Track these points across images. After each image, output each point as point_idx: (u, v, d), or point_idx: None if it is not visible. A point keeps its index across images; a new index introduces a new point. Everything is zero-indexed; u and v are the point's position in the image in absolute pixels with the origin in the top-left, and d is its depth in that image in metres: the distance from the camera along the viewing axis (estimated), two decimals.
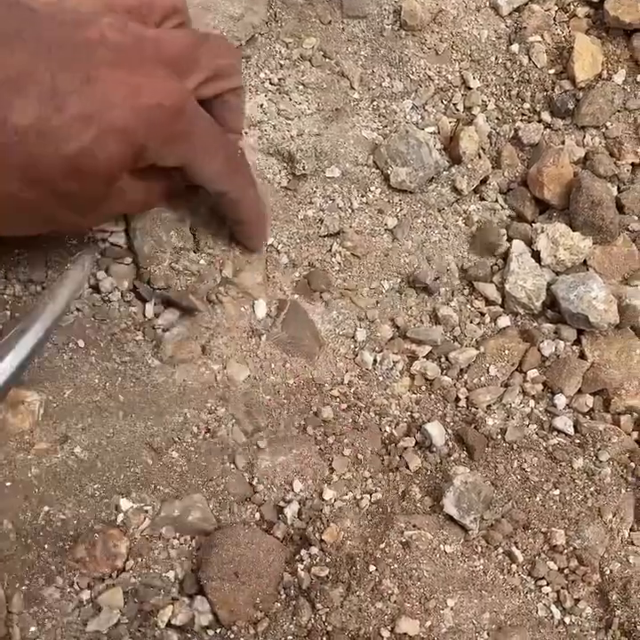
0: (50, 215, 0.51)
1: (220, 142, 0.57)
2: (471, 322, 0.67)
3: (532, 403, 0.63)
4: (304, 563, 0.54)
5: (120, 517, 0.55)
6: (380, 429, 0.62)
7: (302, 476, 0.58)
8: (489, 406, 0.63)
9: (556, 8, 0.73)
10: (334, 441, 0.61)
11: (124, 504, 0.55)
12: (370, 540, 0.55)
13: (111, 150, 0.48)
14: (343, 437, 0.61)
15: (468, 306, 0.68)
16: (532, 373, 0.64)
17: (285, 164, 0.68)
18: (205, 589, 0.53)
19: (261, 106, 0.69)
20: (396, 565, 0.53)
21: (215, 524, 0.56)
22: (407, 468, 0.60)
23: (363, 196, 0.69)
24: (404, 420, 0.63)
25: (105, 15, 0.50)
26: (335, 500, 0.58)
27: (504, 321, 0.67)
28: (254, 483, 0.58)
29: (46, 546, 0.54)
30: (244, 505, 0.57)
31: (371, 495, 0.58)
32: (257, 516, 0.57)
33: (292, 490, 0.58)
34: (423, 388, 0.65)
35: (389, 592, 0.52)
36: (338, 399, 0.63)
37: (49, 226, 0.54)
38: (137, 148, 0.50)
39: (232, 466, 0.59)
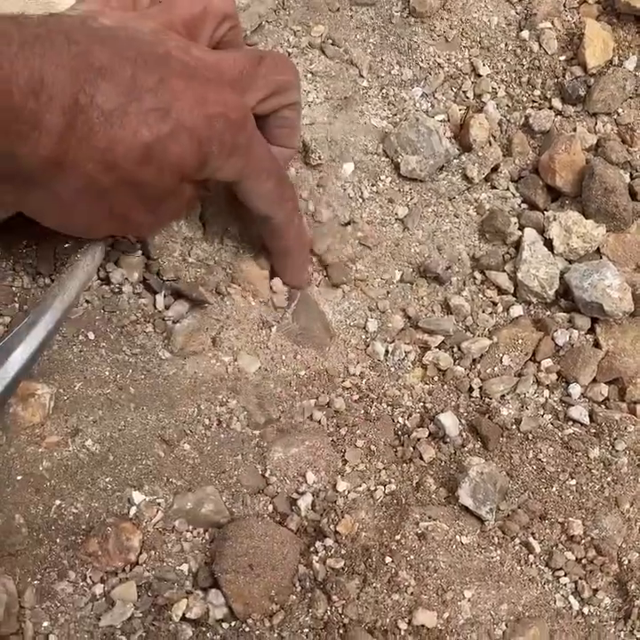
0: (121, 208, 0.53)
1: (275, 166, 0.59)
2: (483, 311, 0.67)
3: (546, 392, 0.62)
4: (319, 554, 0.54)
5: (133, 510, 0.54)
6: (393, 420, 0.62)
7: (315, 467, 0.58)
8: (503, 396, 0.62)
9: None
10: (347, 432, 0.60)
11: (137, 497, 0.55)
12: (385, 531, 0.54)
13: (183, 146, 0.51)
14: (356, 429, 0.60)
15: (480, 295, 0.67)
16: (546, 363, 0.63)
17: (299, 154, 0.67)
18: (220, 582, 0.52)
19: None
20: (412, 557, 0.53)
21: (228, 516, 0.55)
22: (421, 458, 0.59)
23: (373, 186, 0.69)
24: (417, 410, 0.62)
25: (168, 37, 0.53)
26: (349, 492, 0.57)
27: (517, 310, 0.66)
28: (267, 475, 0.57)
29: (58, 540, 0.53)
30: (256, 497, 0.57)
31: (385, 486, 0.58)
32: (270, 508, 0.56)
33: (306, 482, 0.57)
34: (436, 378, 0.64)
35: (406, 584, 0.52)
36: (350, 390, 0.63)
37: (117, 223, 0.55)
38: (203, 154, 0.52)
39: (244, 458, 0.58)
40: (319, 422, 0.61)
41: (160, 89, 0.49)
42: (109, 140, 0.48)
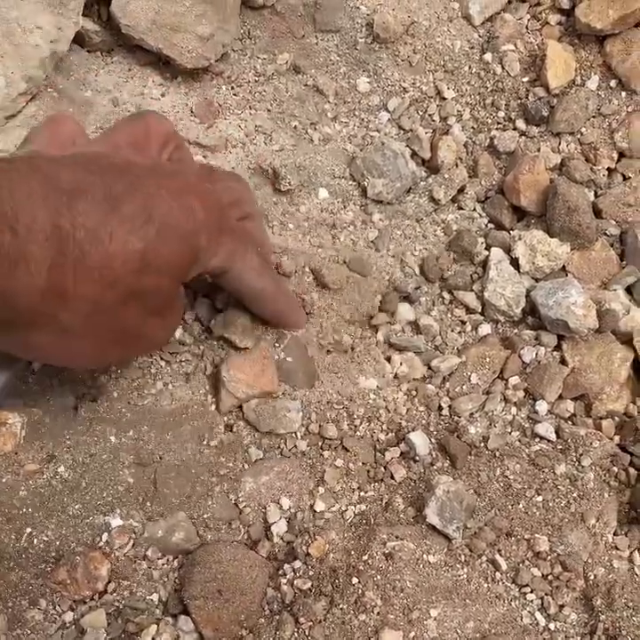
0: (133, 323, 0.51)
1: (251, 239, 0.58)
2: (452, 330, 0.67)
3: (513, 410, 0.63)
4: (287, 577, 0.54)
5: (104, 537, 0.55)
6: (372, 438, 0.62)
7: (288, 492, 0.58)
8: (471, 414, 0.63)
9: (528, 16, 0.74)
10: (323, 455, 0.61)
11: (107, 525, 0.55)
12: (353, 552, 0.55)
13: (172, 246, 0.49)
14: (331, 451, 0.61)
15: (449, 315, 0.68)
16: (514, 380, 0.64)
17: (268, 181, 0.68)
18: (189, 608, 0.53)
19: (239, 125, 0.70)
20: (378, 577, 0.53)
21: (198, 543, 0.56)
22: (392, 478, 0.60)
23: (342, 209, 0.70)
24: (392, 430, 0.63)
25: (119, 152, 0.52)
26: (323, 513, 0.57)
27: (485, 329, 0.67)
28: (241, 506, 0.57)
29: (29, 568, 0.53)
30: (229, 524, 0.57)
31: (355, 507, 0.58)
32: (244, 535, 0.57)
33: (281, 507, 0.58)
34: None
35: (372, 604, 0.52)
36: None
37: (132, 342, 0.53)
38: (193, 248, 0.51)
39: (217, 486, 0.58)
40: (296, 446, 0.60)
41: (135, 192, 0.48)
42: (103, 256, 0.46)
